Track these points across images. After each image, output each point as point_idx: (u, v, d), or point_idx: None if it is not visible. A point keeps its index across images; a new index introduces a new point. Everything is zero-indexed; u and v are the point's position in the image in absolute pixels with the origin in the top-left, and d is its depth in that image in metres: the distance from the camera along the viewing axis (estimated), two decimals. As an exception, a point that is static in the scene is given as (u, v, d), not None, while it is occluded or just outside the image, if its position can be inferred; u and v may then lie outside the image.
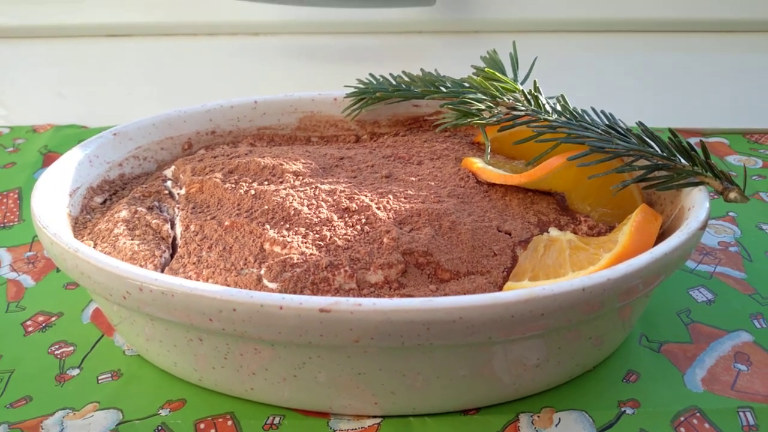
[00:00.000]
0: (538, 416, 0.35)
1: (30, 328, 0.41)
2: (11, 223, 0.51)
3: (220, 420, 0.35)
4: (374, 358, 0.31)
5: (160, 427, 0.35)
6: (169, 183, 0.43)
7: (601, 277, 0.30)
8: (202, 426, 0.35)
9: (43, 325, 0.42)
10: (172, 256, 0.37)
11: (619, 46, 0.67)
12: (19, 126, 0.63)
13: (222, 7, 0.66)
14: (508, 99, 0.42)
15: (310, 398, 0.34)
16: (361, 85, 0.48)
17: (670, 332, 0.40)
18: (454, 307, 0.29)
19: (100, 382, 0.38)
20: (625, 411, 0.35)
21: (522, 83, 0.44)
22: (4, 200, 0.53)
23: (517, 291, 0.29)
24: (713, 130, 0.62)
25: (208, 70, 0.66)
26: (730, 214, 0.51)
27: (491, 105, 0.42)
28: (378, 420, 0.35)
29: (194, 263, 0.35)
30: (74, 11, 0.67)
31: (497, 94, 0.43)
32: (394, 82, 0.47)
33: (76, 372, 0.38)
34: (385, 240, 0.35)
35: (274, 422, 0.35)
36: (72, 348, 0.40)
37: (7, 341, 0.40)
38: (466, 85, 0.45)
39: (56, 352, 0.40)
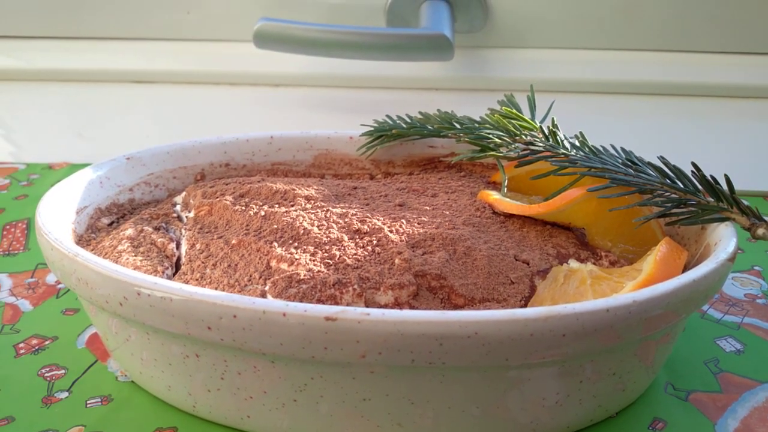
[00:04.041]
0: (557, 461, 0.32)
1: (22, 350, 0.40)
2: (16, 251, 0.50)
3: (212, 450, 0.33)
4: (381, 380, 0.29)
5: (146, 454, 0.32)
6: (178, 207, 0.42)
7: (627, 299, 0.29)
8: (192, 455, 0.32)
9: (36, 348, 0.40)
10: (175, 274, 0.36)
11: (636, 109, 0.67)
12: (35, 163, 0.63)
13: (244, 58, 0.67)
14: (526, 136, 0.42)
15: (309, 429, 0.32)
16: (377, 124, 0.48)
17: (698, 381, 0.38)
18: (469, 321, 0.27)
19: (88, 406, 0.35)
20: (652, 459, 0.33)
21: (540, 122, 0.44)
22: (12, 230, 0.53)
23: (537, 308, 0.28)
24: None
25: (227, 118, 0.67)
26: (756, 268, 0.49)
27: (508, 141, 0.42)
28: (382, 458, 0.32)
29: (197, 279, 0.34)
30: (101, 58, 0.69)
31: (515, 130, 0.42)
32: (409, 121, 0.47)
33: (64, 395, 0.36)
34: (396, 261, 0.33)
35: (270, 455, 0.32)
36: (63, 371, 0.38)
37: (-4, 362, 0.38)
38: (483, 124, 0.44)
39: (46, 374, 0.38)
